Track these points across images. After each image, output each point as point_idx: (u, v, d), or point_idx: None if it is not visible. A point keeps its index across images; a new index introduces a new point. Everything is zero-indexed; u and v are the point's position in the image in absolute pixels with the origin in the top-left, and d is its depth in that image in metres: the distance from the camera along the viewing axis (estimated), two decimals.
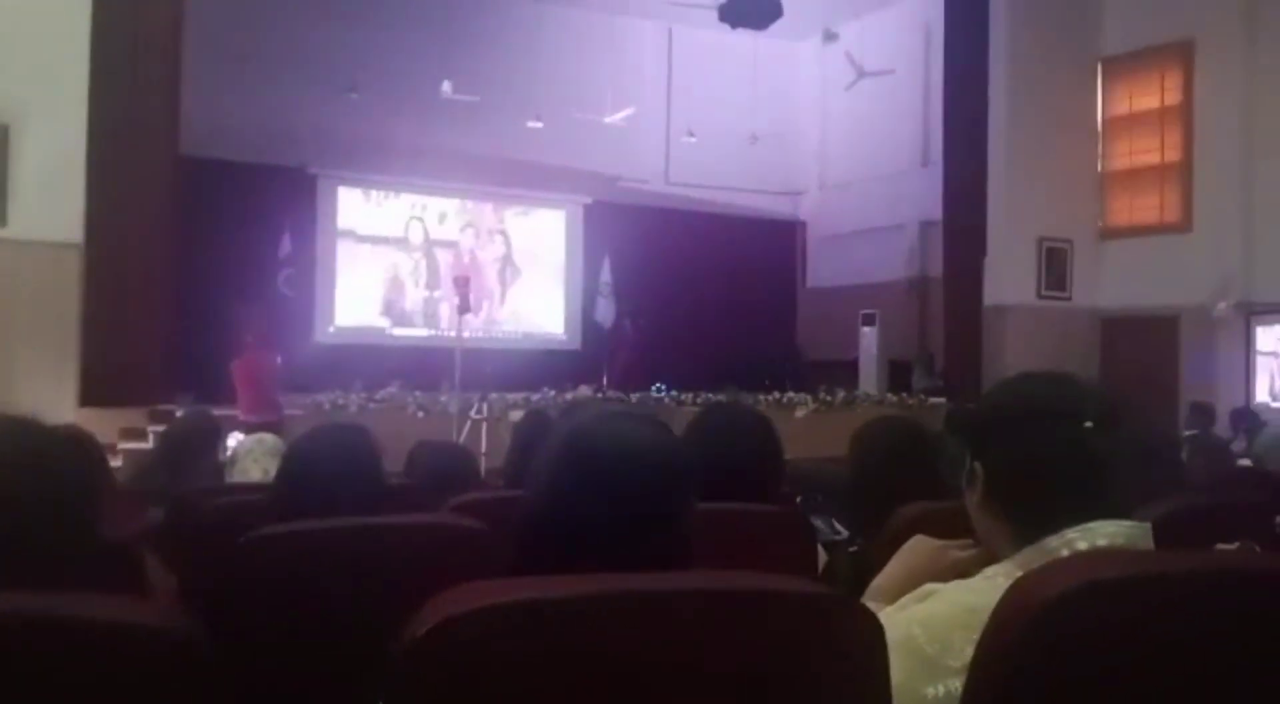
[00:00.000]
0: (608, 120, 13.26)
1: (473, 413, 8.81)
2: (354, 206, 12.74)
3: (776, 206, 15.23)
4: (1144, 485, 1.78)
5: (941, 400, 10.77)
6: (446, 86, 12.02)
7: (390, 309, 12.91)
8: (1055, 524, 1.25)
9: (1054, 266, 11.29)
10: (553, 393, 9.91)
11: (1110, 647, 1.02)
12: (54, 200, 7.63)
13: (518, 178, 13.05)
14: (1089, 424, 1.28)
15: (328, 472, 2.09)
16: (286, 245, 11.50)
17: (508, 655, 0.90)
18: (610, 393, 10.46)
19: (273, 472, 3.40)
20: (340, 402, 8.87)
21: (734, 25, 10.64)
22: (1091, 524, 1.24)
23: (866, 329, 12.61)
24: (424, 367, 10.33)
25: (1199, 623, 1.05)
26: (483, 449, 7.79)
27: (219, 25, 10.44)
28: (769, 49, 13.70)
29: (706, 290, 13.60)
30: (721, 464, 2.00)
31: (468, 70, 12.25)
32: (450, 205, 13.27)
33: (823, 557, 2.16)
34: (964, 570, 1.36)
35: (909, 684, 1.15)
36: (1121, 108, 11.44)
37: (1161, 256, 10.71)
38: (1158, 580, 1.06)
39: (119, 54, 7.86)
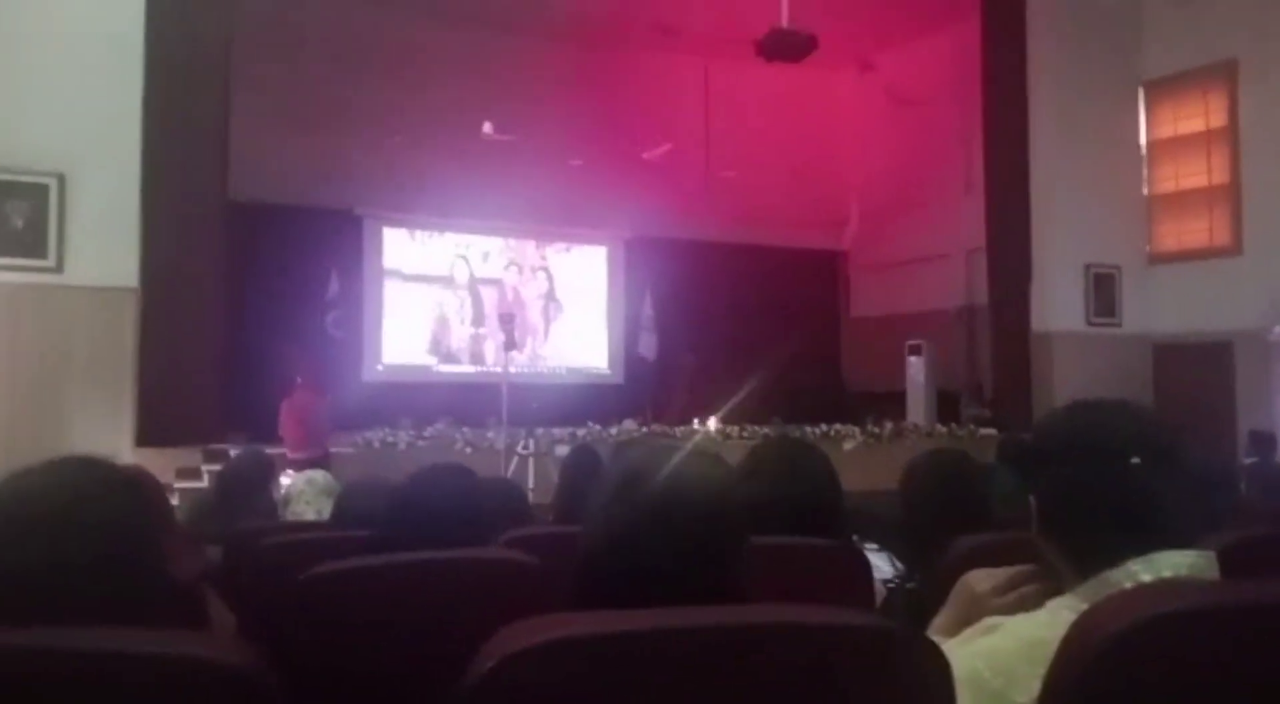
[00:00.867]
0: (647, 156, 13.35)
1: (519, 448, 8.84)
2: (399, 247, 12.92)
3: (817, 238, 15.20)
4: (1202, 517, 1.75)
5: (992, 431, 10.63)
6: (487, 127, 12.19)
7: (436, 347, 13.03)
8: (1113, 557, 1.23)
9: (1102, 293, 11.15)
10: (598, 427, 9.93)
11: (1179, 680, 1.01)
12: (109, 246, 7.83)
13: (559, 215, 13.17)
14: (1135, 460, 1.26)
15: (436, 512, 2.11)
16: (334, 286, 11.67)
17: (571, 690, 0.91)
18: (657, 427, 10.46)
19: (325, 511, 3.45)
20: (389, 439, 8.95)
21: (771, 58, 10.69)
22: (1155, 555, 1.22)
23: (913, 359, 12.49)
24: (470, 403, 10.41)
25: (1269, 655, 1.03)
26: (530, 484, 7.81)
27: (265, 73, 10.69)
28: (806, 81, 13.75)
29: (749, 323, 13.57)
30: (780, 499, 1.99)
31: (507, 111, 12.42)
32: (493, 244, 13.41)
33: (880, 594, 2.14)
34: (1027, 603, 1.34)
35: None
36: (1166, 130, 11.32)
37: (1212, 281, 10.54)
38: (1226, 612, 1.05)
39: (170, 104, 8.07)
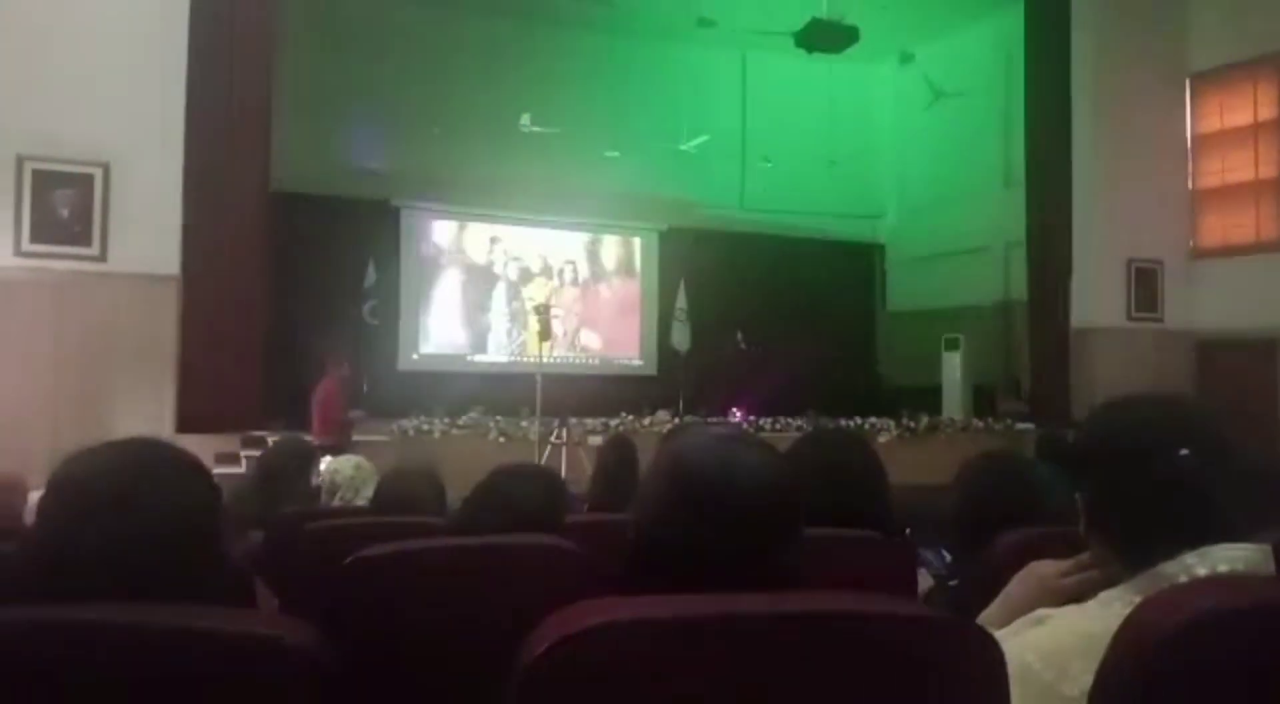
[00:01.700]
0: (684, 147, 13.33)
1: (553, 438, 8.89)
2: (436, 237, 13.00)
3: (855, 229, 15.11)
4: (1255, 510, 1.72)
5: (1029, 426, 10.53)
6: (525, 119, 12.23)
7: (472, 336, 13.11)
8: (1165, 551, 1.22)
9: (1144, 287, 10.99)
10: (630, 418, 9.95)
11: (1234, 678, 1.00)
12: (152, 235, 7.93)
13: (595, 206, 13.18)
14: (1185, 453, 1.25)
15: (515, 510, 2.15)
16: (371, 275, 11.76)
17: (625, 673, 0.91)
18: (690, 418, 10.46)
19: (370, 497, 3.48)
20: (424, 427, 9.01)
21: (810, 50, 10.63)
22: (1209, 548, 1.21)
23: (950, 353, 12.39)
24: (505, 392, 10.47)
25: None
26: (563, 474, 7.85)
27: (307, 65, 10.79)
28: (845, 72, 13.65)
29: (784, 315, 13.51)
30: (829, 491, 1.99)
31: (546, 103, 12.45)
32: (529, 234, 13.45)
33: (923, 589, 2.13)
34: (1079, 595, 1.33)
35: None
36: (1212, 124, 11.12)
37: (1258, 276, 10.35)
38: None
39: (213, 95, 8.17)
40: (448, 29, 12.35)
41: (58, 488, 1.24)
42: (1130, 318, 10.96)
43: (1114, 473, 1.29)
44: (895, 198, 15.27)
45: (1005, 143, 12.75)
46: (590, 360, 13.61)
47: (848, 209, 14.78)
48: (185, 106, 8.03)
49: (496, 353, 13.04)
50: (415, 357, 12.68)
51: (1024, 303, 11.73)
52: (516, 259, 13.38)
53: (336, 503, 3.65)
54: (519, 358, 12.65)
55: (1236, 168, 10.88)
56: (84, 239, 7.80)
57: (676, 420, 10.28)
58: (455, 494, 2.46)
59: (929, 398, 12.07)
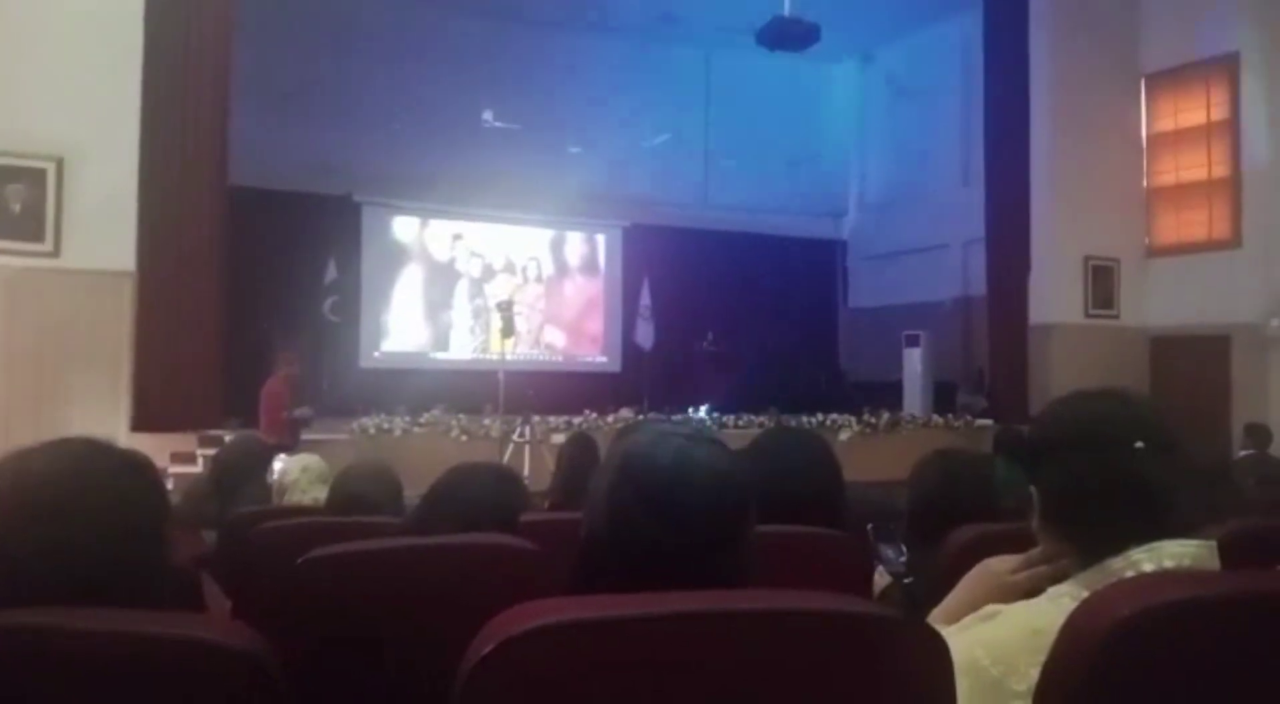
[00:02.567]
0: (647, 145, 13.33)
1: (515, 436, 8.85)
2: (397, 233, 12.90)
3: (816, 227, 15.20)
4: (1201, 507, 1.74)
5: (989, 422, 10.65)
6: (488, 114, 12.18)
7: (434, 334, 13.03)
8: (1117, 545, 1.23)
9: (1101, 285, 11.15)
10: (594, 415, 9.94)
11: (1179, 670, 1.01)
12: (107, 230, 7.81)
13: (558, 203, 13.14)
14: (1139, 445, 1.26)
15: (471, 508, 2.13)
16: (332, 272, 11.66)
17: (570, 674, 0.90)
18: (654, 415, 10.46)
19: (322, 499, 3.44)
20: (385, 426, 8.94)
21: (772, 48, 10.66)
22: (1157, 544, 1.22)
23: (910, 350, 12.51)
24: (467, 390, 10.42)
25: (1267, 645, 1.03)
26: (525, 472, 7.82)
27: (266, 59, 10.65)
28: (807, 71, 13.72)
29: (746, 312, 13.57)
30: (783, 488, 1.99)
31: (508, 98, 12.41)
32: (492, 231, 13.39)
33: (878, 586, 2.14)
34: (1030, 590, 1.34)
35: None
36: (1166, 124, 11.30)
37: (1211, 274, 10.54)
38: (1227, 602, 1.05)
39: (169, 89, 8.05)
40: (410, 24, 12.26)
41: None
42: (1087, 315, 11.12)
43: (1069, 465, 1.30)
44: (856, 195, 15.39)
45: (964, 142, 12.89)
46: (554, 358, 13.59)
47: (809, 206, 14.88)
48: (141, 100, 7.91)
49: (459, 350, 12.98)
50: (377, 354, 12.59)
51: (983, 299, 11.86)
52: (479, 255, 13.32)
53: (287, 503, 3.61)
54: (482, 355, 12.60)
55: (1190, 167, 11.07)
56: (36, 234, 7.66)
57: (640, 418, 10.28)
58: (417, 493, 2.44)
59: (890, 394, 12.18)
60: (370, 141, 11.97)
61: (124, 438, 7.29)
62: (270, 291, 10.90)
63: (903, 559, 2.27)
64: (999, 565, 1.45)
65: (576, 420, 9.59)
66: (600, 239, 14.08)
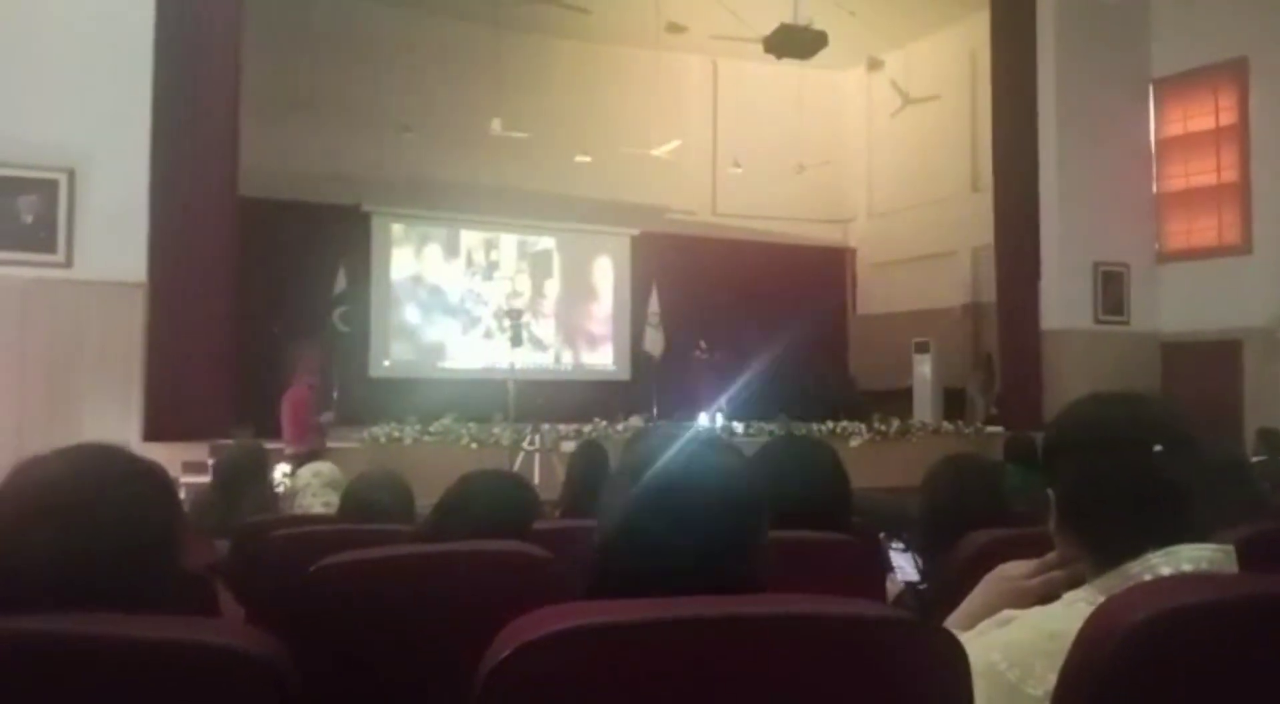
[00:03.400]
0: (655, 153, 13.34)
1: (525, 444, 8.85)
2: (407, 243, 12.93)
3: (825, 234, 15.19)
4: (1222, 508, 1.73)
5: (999, 429, 10.61)
6: (496, 124, 12.19)
7: (443, 343, 13.05)
8: (1134, 548, 1.23)
9: (1110, 291, 11.11)
10: (604, 423, 9.93)
11: (1196, 674, 1.00)
12: (118, 241, 7.83)
13: (567, 211, 13.17)
14: (1158, 448, 1.26)
15: (483, 516, 2.14)
16: (341, 282, 11.68)
17: (586, 679, 0.90)
18: (663, 423, 10.45)
19: (334, 504, 3.45)
20: (395, 435, 8.95)
21: (779, 56, 10.68)
22: (1174, 548, 1.21)
23: (920, 356, 12.48)
24: (477, 399, 10.42)
25: None
26: (535, 480, 7.81)
27: (275, 69, 10.71)
28: (814, 78, 13.74)
29: (756, 319, 13.54)
30: (793, 496, 1.99)
31: (517, 108, 12.43)
32: (501, 240, 13.42)
33: (892, 592, 2.14)
34: (1047, 594, 1.33)
35: None
36: (1175, 129, 11.27)
37: (1221, 279, 10.49)
38: (1244, 605, 1.04)
39: (180, 100, 8.08)
40: (419, 34, 12.31)
41: (7, 495, 1.21)
42: (1097, 321, 11.08)
43: (1086, 467, 1.30)
44: (865, 202, 15.37)
45: (973, 148, 12.87)
46: (563, 366, 13.59)
47: (818, 214, 14.87)
48: (152, 111, 7.94)
49: (468, 360, 12.98)
50: (386, 363, 12.61)
51: (992, 305, 11.82)
52: (488, 265, 13.34)
53: (296, 510, 3.62)
54: (491, 364, 12.60)
55: (1199, 172, 11.03)
56: (49, 246, 7.68)
57: (650, 426, 10.27)
58: (428, 501, 2.45)
59: (900, 401, 12.15)
60: (379, 151, 12.02)
61: (136, 447, 7.22)
62: (280, 301, 10.92)
63: (916, 566, 2.27)
64: (1014, 570, 1.44)
65: (586, 429, 9.58)
66: (610, 247, 14.10)
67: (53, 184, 7.69)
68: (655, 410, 11.63)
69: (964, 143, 13.17)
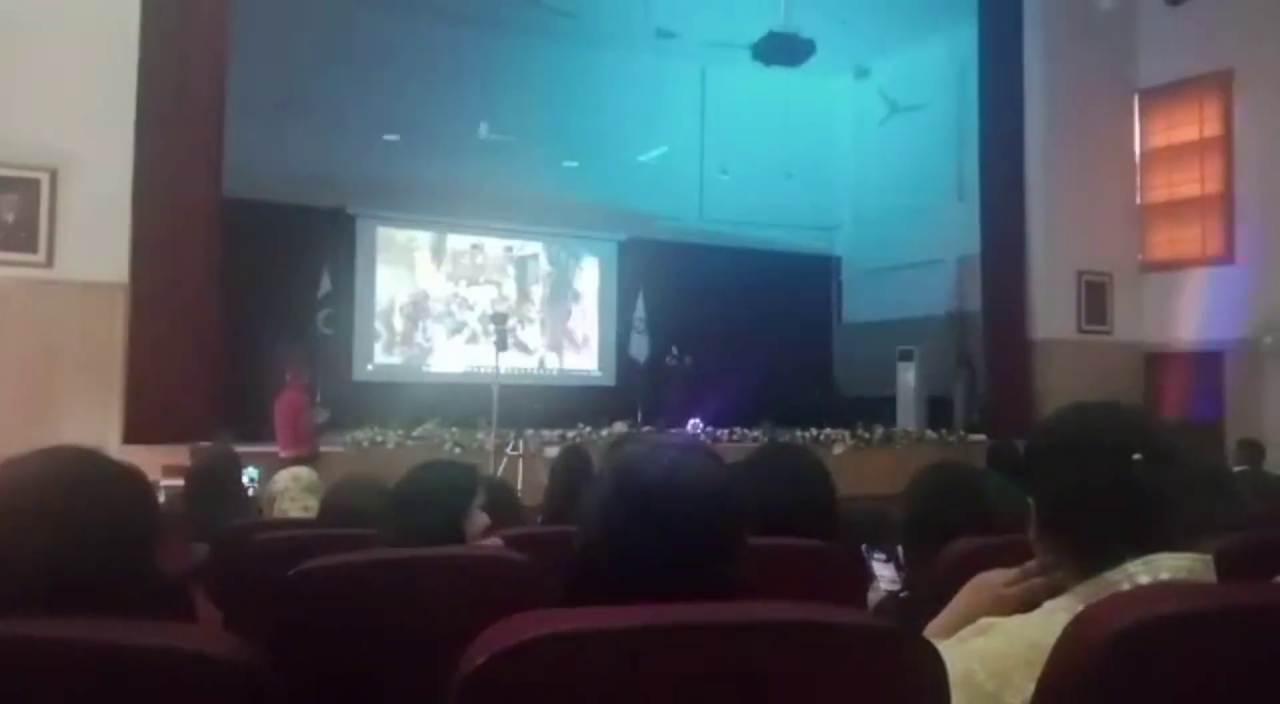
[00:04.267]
0: (642, 158, 13.36)
1: (509, 449, 8.82)
2: (392, 246, 12.89)
3: (811, 242, 15.22)
4: (1202, 518, 1.73)
5: (981, 437, 10.64)
6: (483, 128, 12.18)
7: (428, 347, 13.01)
8: (1114, 557, 1.23)
9: (1094, 300, 11.17)
10: (588, 429, 9.92)
11: (1174, 683, 1.00)
12: (100, 242, 7.77)
13: (554, 216, 13.16)
14: (1138, 457, 1.26)
15: (430, 505, 2.14)
16: (326, 284, 11.64)
17: (562, 685, 0.90)
18: (647, 429, 10.44)
19: (312, 508, 3.43)
20: (378, 439, 8.92)
21: (767, 63, 10.70)
22: (1153, 556, 1.21)
23: (904, 364, 12.51)
24: (461, 404, 10.38)
25: (1264, 657, 1.02)
26: (519, 485, 7.79)
27: (260, 70, 10.65)
28: (802, 86, 13.77)
29: (741, 326, 13.57)
30: (780, 505, 1.99)
31: (504, 112, 12.42)
32: (486, 244, 13.40)
33: (873, 601, 2.14)
34: (1026, 603, 1.33)
35: None
36: (1160, 139, 11.36)
37: (1204, 289, 10.56)
38: (1222, 615, 1.04)
39: (164, 99, 8.02)
40: (405, 35, 12.28)
41: None
42: (1080, 330, 11.13)
43: (1066, 475, 1.30)
44: (851, 210, 15.42)
45: (959, 157, 12.92)
46: (548, 371, 13.57)
47: (804, 221, 14.90)
48: (135, 111, 7.88)
49: (452, 364, 12.95)
50: (370, 367, 12.56)
51: (977, 314, 11.86)
52: (473, 269, 13.31)
53: (275, 514, 3.60)
54: (475, 369, 12.57)
55: (1183, 183, 11.12)
56: (29, 245, 7.62)
57: (633, 431, 10.26)
58: None
59: (884, 408, 12.18)
60: (364, 154, 11.97)
61: (116, 449, 7.24)
62: (264, 304, 10.86)
63: (898, 573, 2.27)
64: (995, 578, 1.44)
65: (570, 434, 9.56)
66: (595, 252, 14.10)
67: (34, 183, 7.63)
68: (639, 416, 11.62)
69: (950, 151, 13.21)
